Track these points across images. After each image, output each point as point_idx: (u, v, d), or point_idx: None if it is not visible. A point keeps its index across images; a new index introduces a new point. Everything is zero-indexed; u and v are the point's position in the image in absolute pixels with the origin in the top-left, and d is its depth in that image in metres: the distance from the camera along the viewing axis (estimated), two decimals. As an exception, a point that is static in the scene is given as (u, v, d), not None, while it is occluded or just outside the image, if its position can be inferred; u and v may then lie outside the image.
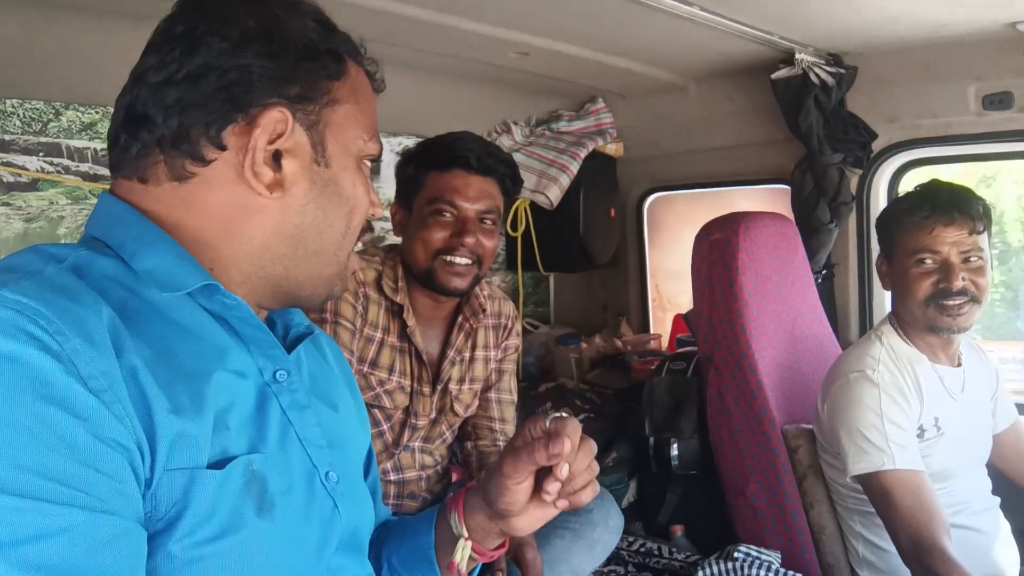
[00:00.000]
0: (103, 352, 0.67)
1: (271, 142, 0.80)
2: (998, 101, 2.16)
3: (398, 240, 1.82)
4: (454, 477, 2.12)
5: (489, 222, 1.73)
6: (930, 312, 1.73)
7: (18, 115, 1.98)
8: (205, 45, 0.77)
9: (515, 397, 1.97)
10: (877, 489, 1.66)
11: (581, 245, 2.92)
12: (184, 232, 0.81)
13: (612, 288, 3.30)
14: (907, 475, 1.63)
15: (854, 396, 1.72)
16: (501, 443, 1.89)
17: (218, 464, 0.74)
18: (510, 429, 1.93)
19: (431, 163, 1.72)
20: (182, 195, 0.80)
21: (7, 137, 1.97)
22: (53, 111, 2.04)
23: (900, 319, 1.83)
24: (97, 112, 2.10)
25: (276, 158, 0.81)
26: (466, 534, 0.95)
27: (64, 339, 0.65)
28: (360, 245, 0.93)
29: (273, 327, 0.94)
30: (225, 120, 0.78)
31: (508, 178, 1.77)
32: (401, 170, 1.79)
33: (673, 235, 3.15)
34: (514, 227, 3.02)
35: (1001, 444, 1.92)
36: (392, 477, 1.81)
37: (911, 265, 1.74)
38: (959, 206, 1.72)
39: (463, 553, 0.96)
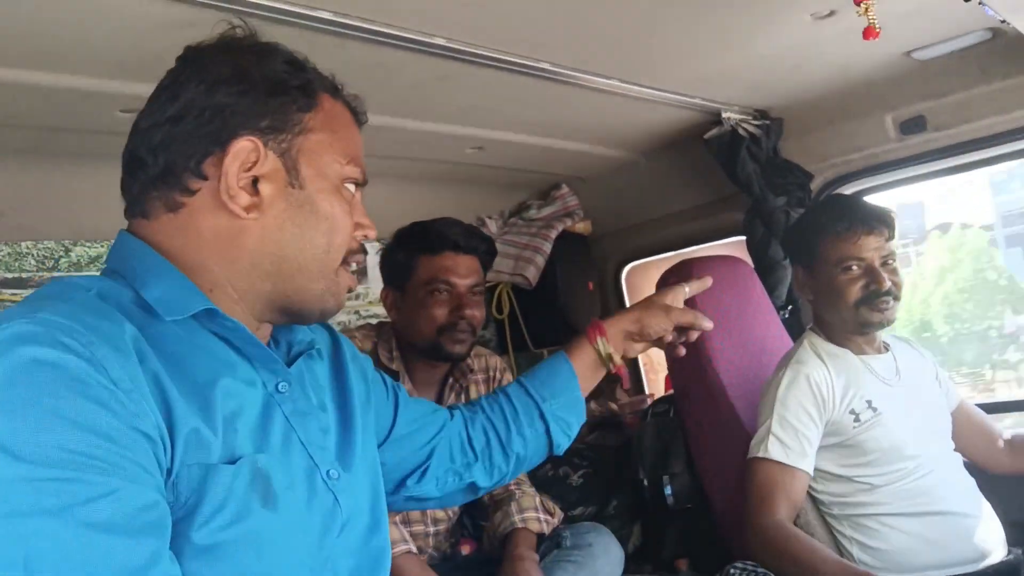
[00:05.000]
0: (128, 358, 0.78)
1: (248, 170, 0.90)
2: (913, 125, 2.35)
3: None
4: (466, 550, 2.21)
5: (477, 293, 1.97)
6: (861, 312, 1.89)
7: (32, 255, 2.20)
8: (184, 90, 0.89)
9: None
10: (748, 473, 1.82)
11: (563, 319, 3.09)
12: (184, 258, 0.91)
13: (603, 358, 3.41)
14: (774, 466, 1.80)
15: (767, 391, 1.92)
16: (512, 487, 2.02)
17: (229, 462, 0.84)
18: None
19: (422, 248, 1.97)
20: (177, 224, 0.91)
21: (24, 275, 2.18)
22: (63, 248, 2.26)
23: (825, 325, 1.99)
24: (102, 246, 2.32)
25: (256, 184, 0.91)
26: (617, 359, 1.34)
27: (95, 348, 0.75)
28: (354, 266, 1.02)
29: (278, 345, 1.06)
30: (204, 153, 0.89)
31: (487, 253, 2.05)
32: (389, 257, 2.03)
33: (652, 300, 3.30)
34: (499, 310, 3.20)
35: (954, 424, 2.01)
36: (397, 531, 1.91)
37: (838, 272, 1.90)
38: (876, 216, 1.91)
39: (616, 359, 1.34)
